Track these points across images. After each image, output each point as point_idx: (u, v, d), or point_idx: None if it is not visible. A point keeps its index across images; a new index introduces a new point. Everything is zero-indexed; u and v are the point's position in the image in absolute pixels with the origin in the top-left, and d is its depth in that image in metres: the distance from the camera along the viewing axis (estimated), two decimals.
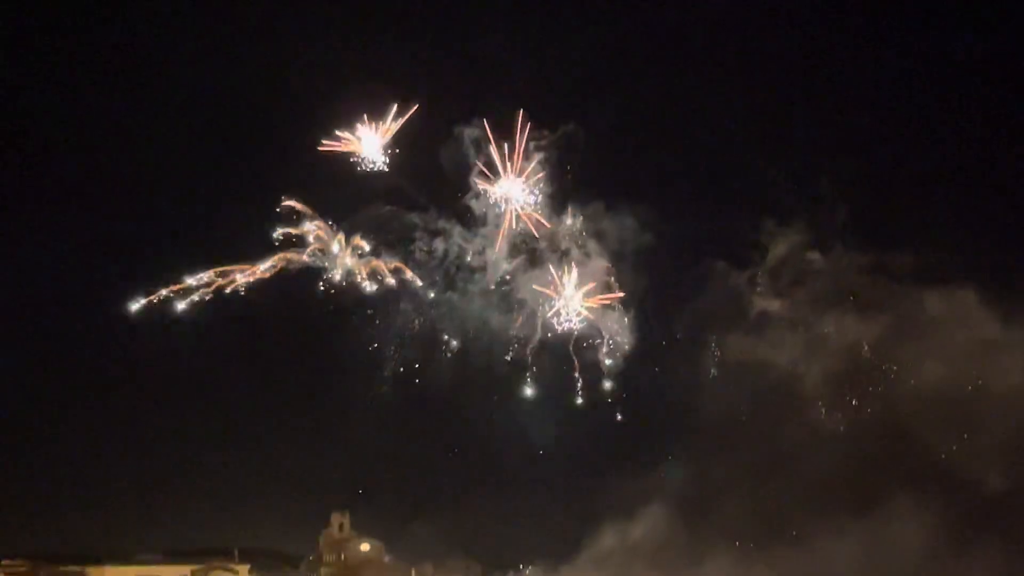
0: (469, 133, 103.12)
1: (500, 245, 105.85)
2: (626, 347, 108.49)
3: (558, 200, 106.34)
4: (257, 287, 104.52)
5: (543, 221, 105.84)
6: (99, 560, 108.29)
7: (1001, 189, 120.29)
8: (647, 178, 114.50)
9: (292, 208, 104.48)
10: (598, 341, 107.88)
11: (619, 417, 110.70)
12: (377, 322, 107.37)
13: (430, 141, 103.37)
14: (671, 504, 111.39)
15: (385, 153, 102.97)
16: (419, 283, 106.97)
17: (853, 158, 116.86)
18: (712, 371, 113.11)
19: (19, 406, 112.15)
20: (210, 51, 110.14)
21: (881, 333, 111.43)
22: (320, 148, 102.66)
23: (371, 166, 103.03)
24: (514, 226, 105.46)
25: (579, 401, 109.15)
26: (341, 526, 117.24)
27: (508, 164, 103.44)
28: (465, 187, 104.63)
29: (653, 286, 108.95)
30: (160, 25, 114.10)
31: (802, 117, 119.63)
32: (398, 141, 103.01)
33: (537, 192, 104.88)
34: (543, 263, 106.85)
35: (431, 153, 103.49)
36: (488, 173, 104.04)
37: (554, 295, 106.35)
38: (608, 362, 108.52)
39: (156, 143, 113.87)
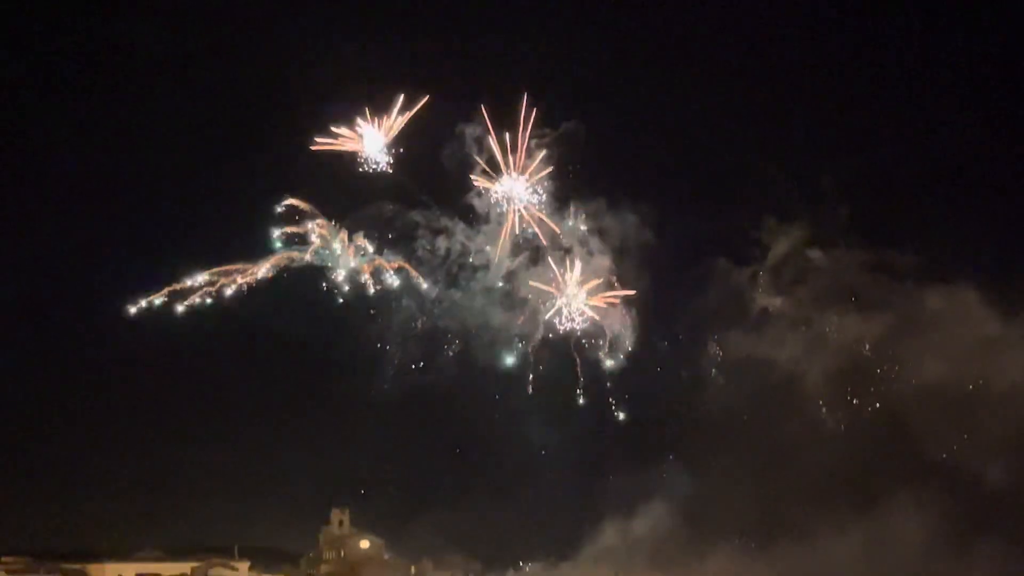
0: (471, 131, 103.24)
1: (502, 243, 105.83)
2: (628, 347, 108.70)
3: (560, 198, 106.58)
4: (258, 286, 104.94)
5: (545, 219, 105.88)
6: (99, 557, 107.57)
7: (1002, 188, 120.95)
8: (649, 176, 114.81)
9: (294, 207, 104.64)
10: (600, 342, 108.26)
11: (620, 417, 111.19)
12: (380, 321, 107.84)
13: (432, 139, 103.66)
14: (672, 501, 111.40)
15: (388, 152, 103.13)
16: (423, 284, 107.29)
17: (854, 157, 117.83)
18: (713, 369, 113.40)
19: (19, 404, 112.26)
20: (209, 49, 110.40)
21: (882, 331, 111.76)
22: (313, 147, 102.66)
23: (374, 166, 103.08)
24: (516, 226, 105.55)
25: (580, 402, 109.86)
26: (341, 523, 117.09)
27: (511, 162, 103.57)
28: (467, 185, 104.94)
29: (655, 284, 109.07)
30: (159, 22, 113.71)
31: (803, 116, 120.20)
32: (400, 140, 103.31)
33: (540, 192, 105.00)
34: (545, 261, 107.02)
35: (433, 151, 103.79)
36: (490, 171, 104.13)
37: (556, 293, 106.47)
38: (609, 362, 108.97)
39: (155, 142, 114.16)
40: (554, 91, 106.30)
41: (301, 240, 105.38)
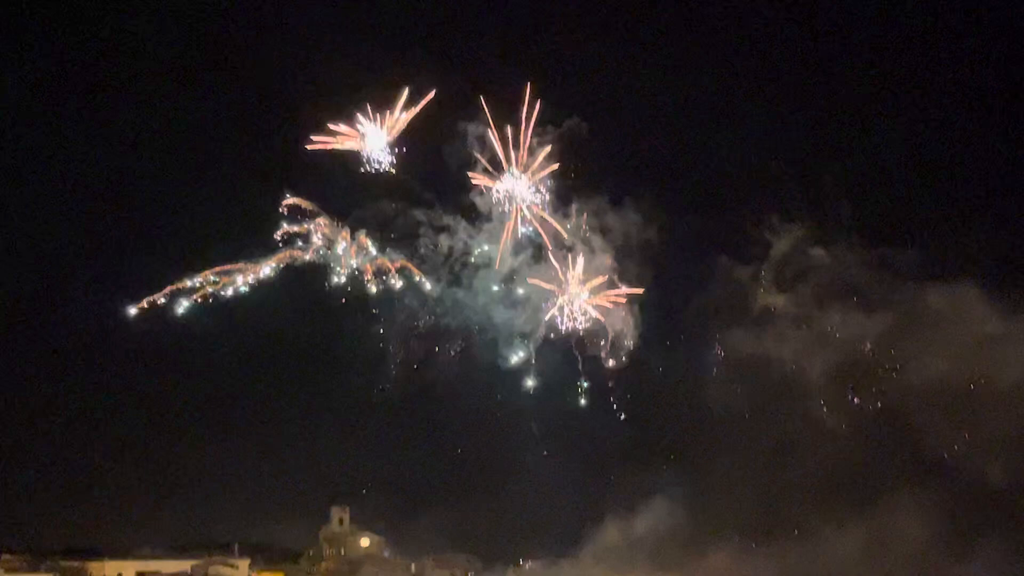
0: (473, 129, 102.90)
1: (505, 242, 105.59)
2: (630, 346, 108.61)
3: (562, 196, 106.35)
4: (259, 285, 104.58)
5: (547, 218, 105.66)
6: (100, 555, 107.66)
7: (1004, 186, 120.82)
8: (651, 174, 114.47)
9: (296, 205, 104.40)
10: (603, 341, 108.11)
11: (622, 416, 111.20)
12: (381, 320, 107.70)
13: (435, 137, 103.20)
14: (673, 500, 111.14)
15: (392, 152, 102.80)
16: (426, 285, 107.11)
17: (856, 155, 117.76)
18: (715, 367, 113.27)
19: (19, 402, 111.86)
20: (211, 47, 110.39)
21: (884, 329, 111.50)
22: (309, 147, 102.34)
23: (376, 166, 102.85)
24: (519, 224, 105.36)
25: (582, 402, 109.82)
26: (341, 520, 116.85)
27: (513, 158, 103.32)
28: (469, 183, 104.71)
29: (656, 282, 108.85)
30: (157, 19, 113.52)
31: (805, 114, 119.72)
32: (402, 137, 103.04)
33: (544, 190, 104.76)
34: (547, 260, 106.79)
35: (436, 148, 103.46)
36: (491, 169, 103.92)
37: (558, 292, 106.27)
38: (611, 363, 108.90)
39: (155, 140, 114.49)
40: (556, 88, 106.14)
41: (303, 239, 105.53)
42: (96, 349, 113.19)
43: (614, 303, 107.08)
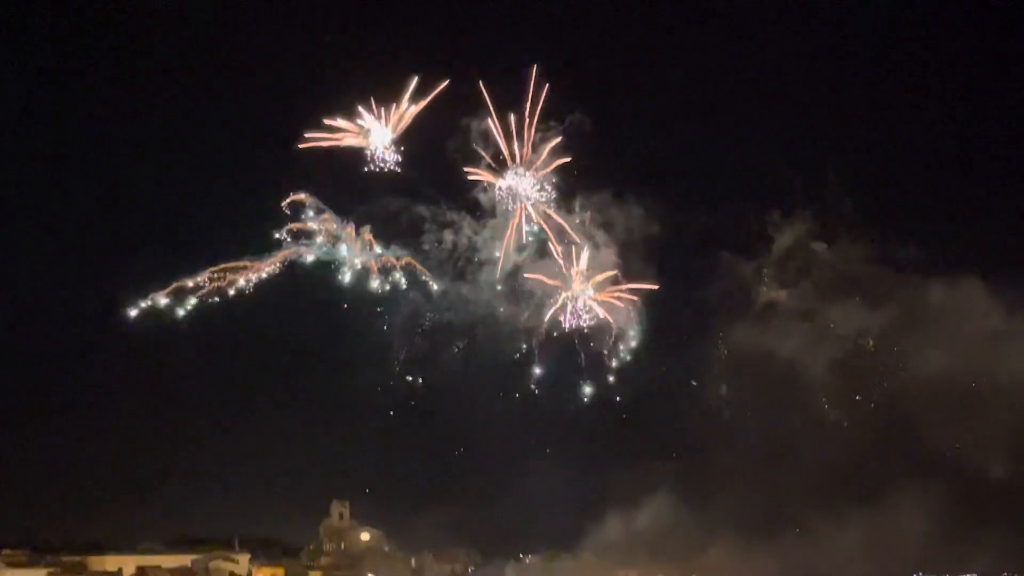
0: (476, 125, 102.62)
1: (509, 238, 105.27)
2: (632, 343, 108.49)
3: (566, 191, 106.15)
4: (263, 282, 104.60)
5: (551, 213, 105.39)
6: (100, 549, 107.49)
7: (1006, 181, 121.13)
8: (654, 169, 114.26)
9: (300, 202, 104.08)
10: (607, 336, 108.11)
11: (624, 416, 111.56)
12: (387, 317, 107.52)
13: (439, 132, 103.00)
14: (673, 495, 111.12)
15: (396, 150, 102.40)
16: (432, 284, 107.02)
17: (858, 150, 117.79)
18: (717, 362, 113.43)
19: (20, 397, 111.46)
20: (212, 46, 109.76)
21: (886, 324, 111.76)
22: (303, 145, 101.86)
23: (381, 164, 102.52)
24: (523, 221, 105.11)
25: (585, 400, 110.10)
26: (341, 515, 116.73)
27: (517, 155, 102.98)
28: (474, 180, 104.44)
29: (659, 277, 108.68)
30: (157, 16, 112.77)
31: (808, 109, 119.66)
32: (406, 134, 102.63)
33: (549, 187, 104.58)
34: (551, 256, 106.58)
35: (439, 145, 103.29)
36: (495, 165, 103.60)
37: (562, 287, 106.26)
38: (614, 363, 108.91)
39: (158, 138, 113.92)
40: (560, 87, 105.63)
41: (307, 236, 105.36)
42: (97, 346, 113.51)
43: (619, 299, 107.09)
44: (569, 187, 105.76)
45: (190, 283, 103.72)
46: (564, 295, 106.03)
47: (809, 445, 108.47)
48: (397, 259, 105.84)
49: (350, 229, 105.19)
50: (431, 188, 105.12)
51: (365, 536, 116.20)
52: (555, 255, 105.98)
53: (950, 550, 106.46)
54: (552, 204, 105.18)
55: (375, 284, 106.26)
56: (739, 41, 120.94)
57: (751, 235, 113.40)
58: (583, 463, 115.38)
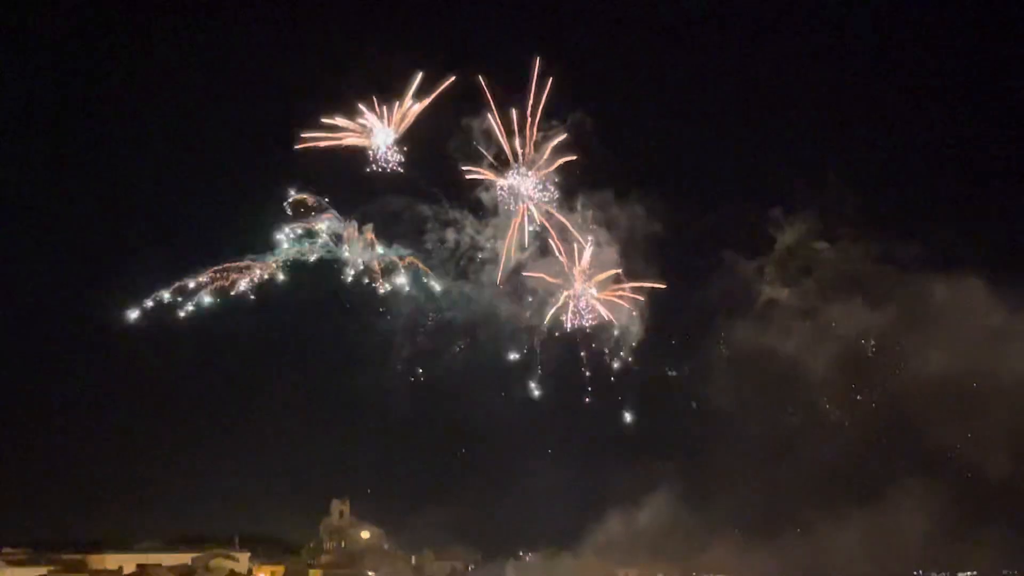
0: (478, 124, 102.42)
1: (511, 237, 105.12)
2: (634, 340, 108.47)
3: (567, 190, 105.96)
4: (265, 282, 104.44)
5: (554, 213, 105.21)
6: (100, 548, 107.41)
7: (1008, 179, 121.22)
8: (656, 168, 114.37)
9: (303, 202, 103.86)
10: (609, 335, 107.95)
11: (625, 412, 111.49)
12: (388, 317, 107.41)
13: (441, 131, 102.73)
14: (674, 493, 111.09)
15: (399, 150, 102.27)
16: (433, 281, 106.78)
17: (860, 149, 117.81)
18: (718, 361, 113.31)
19: (21, 396, 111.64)
20: (213, 43, 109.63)
21: (888, 323, 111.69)
22: (305, 145, 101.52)
23: (385, 165, 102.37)
24: (526, 221, 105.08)
25: (587, 399, 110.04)
26: (341, 513, 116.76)
27: (520, 155, 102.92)
28: (476, 179, 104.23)
29: (661, 276, 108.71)
30: (157, 16, 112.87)
31: (810, 108, 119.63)
32: (408, 134, 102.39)
33: (552, 187, 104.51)
34: (553, 255, 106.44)
35: (441, 143, 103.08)
36: (496, 165, 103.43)
37: (564, 285, 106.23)
38: (615, 362, 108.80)
39: (161, 138, 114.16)
40: (561, 83, 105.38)
41: (309, 235, 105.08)
42: (99, 345, 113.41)
43: (621, 298, 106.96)
44: (571, 185, 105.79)
45: (192, 283, 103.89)
46: (566, 293, 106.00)
47: (810, 444, 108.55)
48: (399, 258, 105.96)
49: (352, 228, 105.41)
50: (433, 187, 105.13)
51: (365, 534, 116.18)
52: (557, 253, 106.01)
53: (950, 549, 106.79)
54: (554, 203, 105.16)
55: (377, 283, 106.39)
56: (741, 40, 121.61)
57: (753, 234, 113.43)
58: (584, 462, 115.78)
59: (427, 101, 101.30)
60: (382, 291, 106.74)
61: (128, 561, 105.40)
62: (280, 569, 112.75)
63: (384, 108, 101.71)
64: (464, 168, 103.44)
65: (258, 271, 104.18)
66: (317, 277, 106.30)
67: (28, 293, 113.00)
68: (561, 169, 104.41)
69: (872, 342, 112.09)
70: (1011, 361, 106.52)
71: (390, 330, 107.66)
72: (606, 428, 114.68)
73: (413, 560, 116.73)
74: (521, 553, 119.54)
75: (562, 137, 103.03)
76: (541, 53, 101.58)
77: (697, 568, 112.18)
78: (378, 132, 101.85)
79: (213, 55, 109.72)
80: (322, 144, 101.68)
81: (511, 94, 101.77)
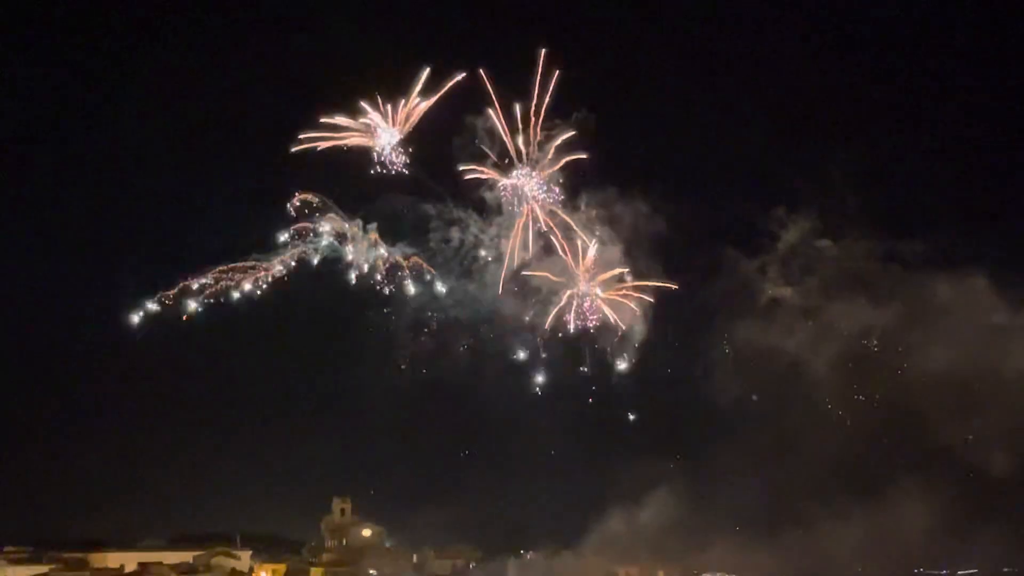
0: (482, 123, 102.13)
1: (515, 238, 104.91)
2: (637, 339, 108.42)
3: (571, 188, 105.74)
4: (269, 282, 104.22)
5: (558, 211, 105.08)
6: (102, 546, 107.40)
7: (1010, 177, 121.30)
8: (659, 166, 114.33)
9: (307, 201, 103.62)
10: (611, 335, 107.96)
11: (628, 411, 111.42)
12: (393, 318, 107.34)
13: (445, 129, 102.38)
14: (676, 491, 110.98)
15: (404, 151, 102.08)
16: (436, 280, 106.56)
17: (863, 146, 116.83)
18: (721, 359, 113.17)
19: (23, 396, 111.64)
20: (215, 42, 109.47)
21: (890, 320, 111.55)
22: (304, 145, 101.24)
23: (389, 166, 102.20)
24: (530, 221, 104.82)
25: (590, 398, 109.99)
26: (343, 511, 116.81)
27: (524, 154, 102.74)
28: (480, 179, 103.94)
29: (664, 274, 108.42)
30: (161, 15, 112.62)
31: (812, 106, 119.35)
32: (412, 134, 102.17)
33: (556, 187, 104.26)
34: (557, 254, 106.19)
35: (446, 142, 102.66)
36: (500, 164, 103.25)
37: (567, 284, 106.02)
38: (618, 361, 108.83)
39: (164, 138, 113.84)
40: (563, 82, 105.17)
41: (313, 235, 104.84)
42: (102, 345, 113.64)
43: (626, 297, 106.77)
44: (574, 184, 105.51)
45: (196, 283, 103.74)
46: (570, 293, 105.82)
47: (812, 442, 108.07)
48: (404, 258, 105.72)
49: (356, 228, 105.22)
50: (437, 186, 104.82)
51: (366, 532, 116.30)
52: (560, 252, 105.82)
53: (951, 547, 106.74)
54: (558, 203, 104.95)
55: (382, 282, 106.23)
56: (744, 38, 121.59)
57: (756, 232, 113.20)
58: (586, 460, 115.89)
59: (433, 99, 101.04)
60: (386, 291, 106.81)
61: (130, 559, 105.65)
62: (281, 567, 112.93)
63: (388, 107, 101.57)
64: (466, 168, 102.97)
65: (262, 272, 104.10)
66: (321, 277, 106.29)
67: (30, 294, 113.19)
68: (565, 168, 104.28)
69: (875, 341, 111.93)
70: (1013, 359, 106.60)
71: (394, 329, 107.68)
72: (608, 426, 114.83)
73: (414, 558, 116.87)
74: (523, 551, 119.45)
75: (566, 135, 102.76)
76: (545, 51, 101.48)
77: (698, 566, 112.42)
78: (382, 132, 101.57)
79: (218, 54, 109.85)
80: (326, 144, 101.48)
81: (515, 92, 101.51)
